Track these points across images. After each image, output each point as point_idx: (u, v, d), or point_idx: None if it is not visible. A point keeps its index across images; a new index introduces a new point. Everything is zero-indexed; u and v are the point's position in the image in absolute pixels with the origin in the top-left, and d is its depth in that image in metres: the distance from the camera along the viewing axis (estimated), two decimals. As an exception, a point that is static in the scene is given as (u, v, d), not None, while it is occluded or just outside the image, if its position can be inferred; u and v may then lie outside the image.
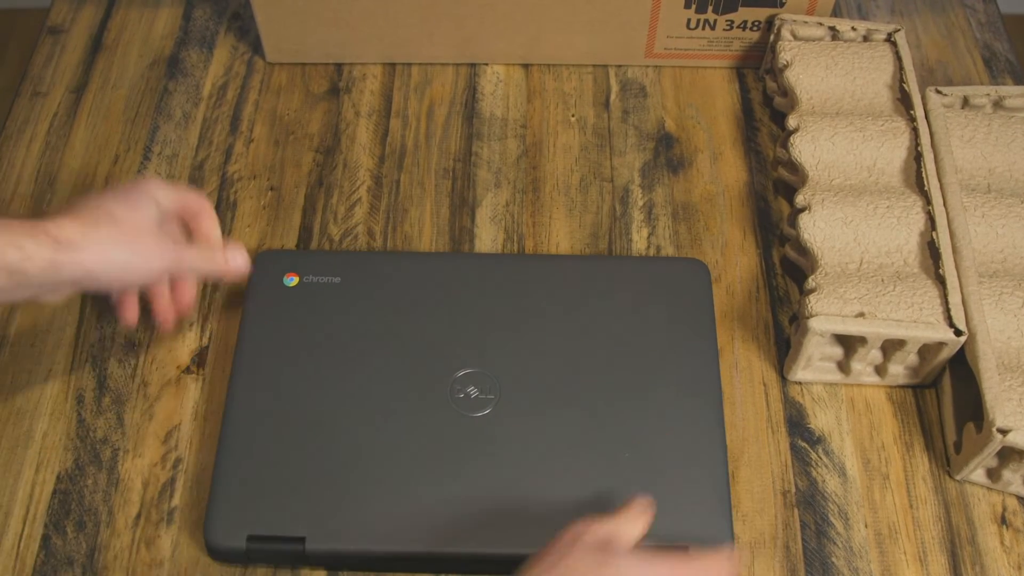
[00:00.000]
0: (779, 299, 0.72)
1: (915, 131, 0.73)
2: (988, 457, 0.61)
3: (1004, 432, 0.59)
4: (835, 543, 0.62)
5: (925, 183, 0.70)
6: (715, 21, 0.82)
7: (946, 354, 0.64)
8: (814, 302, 0.64)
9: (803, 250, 0.70)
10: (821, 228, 0.69)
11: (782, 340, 0.70)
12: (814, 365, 0.68)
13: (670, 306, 0.67)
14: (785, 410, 0.68)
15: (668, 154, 0.80)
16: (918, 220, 0.68)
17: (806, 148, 0.73)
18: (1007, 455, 0.62)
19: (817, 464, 0.65)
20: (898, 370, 0.67)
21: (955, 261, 0.66)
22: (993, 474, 0.64)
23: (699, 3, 0.80)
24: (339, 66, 0.85)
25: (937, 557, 0.62)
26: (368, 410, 0.63)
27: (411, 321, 0.66)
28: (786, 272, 0.74)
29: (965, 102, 0.76)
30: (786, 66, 0.78)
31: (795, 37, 0.80)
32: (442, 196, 0.77)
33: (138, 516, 0.63)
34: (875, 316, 0.63)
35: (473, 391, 0.63)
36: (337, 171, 0.79)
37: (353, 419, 0.63)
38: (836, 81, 0.77)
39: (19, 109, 0.82)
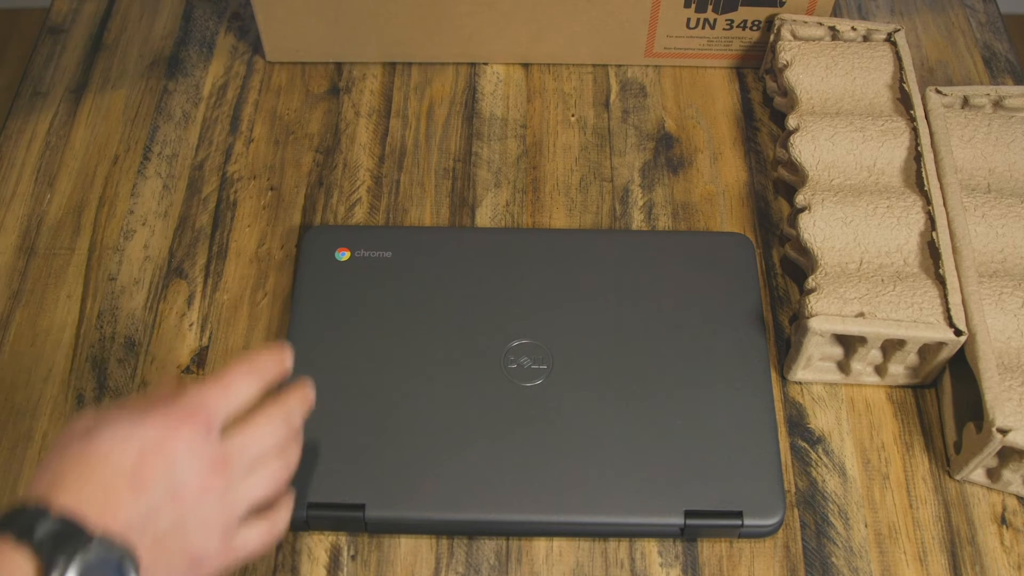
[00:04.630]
0: (779, 299, 0.72)
1: (915, 131, 0.73)
2: (988, 457, 0.61)
3: (1004, 432, 0.59)
4: (835, 543, 0.62)
5: (925, 183, 0.70)
6: (715, 21, 0.82)
7: (946, 354, 0.64)
8: (814, 302, 0.64)
9: (803, 250, 0.70)
10: (821, 228, 0.69)
11: (782, 340, 0.70)
12: (814, 365, 0.68)
13: (717, 279, 0.69)
14: (785, 410, 0.67)
15: (668, 154, 0.80)
16: (918, 220, 0.68)
17: (806, 148, 0.73)
18: (1007, 455, 0.62)
19: (817, 464, 0.65)
20: (898, 370, 0.67)
21: (955, 261, 0.66)
22: (993, 474, 0.64)
23: (699, 3, 0.80)
24: (339, 66, 0.85)
25: (937, 557, 0.62)
26: (423, 379, 0.64)
27: (464, 293, 0.68)
28: (786, 272, 0.74)
29: (965, 102, 0.76)
30: (786, 66, 0.78)
31: (795, 37, 0.80)
32: (442, 196, 0.77)
33: (138, 516, 0.63)
34: (875, 316, 0.63)
35: (526, 361, 0.65)
36: (337, 171, 0.79)
37: (409, 388, 0.64)
38: (836, 81, 0.77)
39: (19, 109, 0.82)
